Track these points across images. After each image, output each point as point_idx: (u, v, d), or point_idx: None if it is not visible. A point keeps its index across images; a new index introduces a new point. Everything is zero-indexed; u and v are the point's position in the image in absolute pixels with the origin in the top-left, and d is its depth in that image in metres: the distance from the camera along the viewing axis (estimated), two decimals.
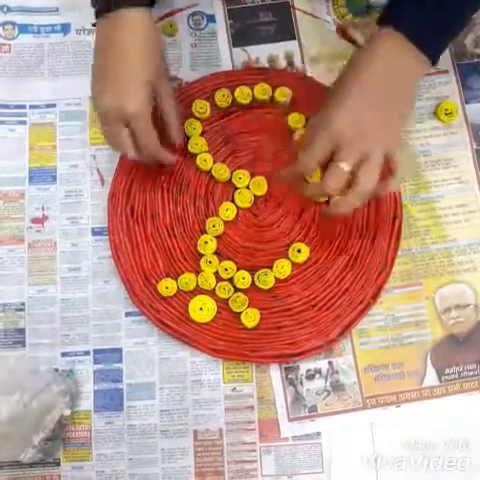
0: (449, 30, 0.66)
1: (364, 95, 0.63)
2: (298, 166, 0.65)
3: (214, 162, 0.76)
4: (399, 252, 0.75)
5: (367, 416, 0.72)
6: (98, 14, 0.67)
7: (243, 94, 0.77)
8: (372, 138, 0.62)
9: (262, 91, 0.77)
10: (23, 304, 0.75)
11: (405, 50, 0.63)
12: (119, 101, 0.65)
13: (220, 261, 0.74)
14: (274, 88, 0.78)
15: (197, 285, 0.74)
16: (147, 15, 0.67)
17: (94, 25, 0.69)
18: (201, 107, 0.77)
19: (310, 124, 0.68)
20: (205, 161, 0.76)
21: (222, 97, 0.77)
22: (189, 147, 0.77)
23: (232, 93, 0.77)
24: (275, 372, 0.73)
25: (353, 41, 0.80)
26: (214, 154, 0.77)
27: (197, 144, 0.76)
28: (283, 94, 0.78)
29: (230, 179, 0.77)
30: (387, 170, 0.65)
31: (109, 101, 0.65)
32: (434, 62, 0.65)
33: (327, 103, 0.64)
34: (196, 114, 0.77)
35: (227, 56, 0.81)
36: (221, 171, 0.76)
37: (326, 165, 0.63)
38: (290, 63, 0.81)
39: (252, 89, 0.77)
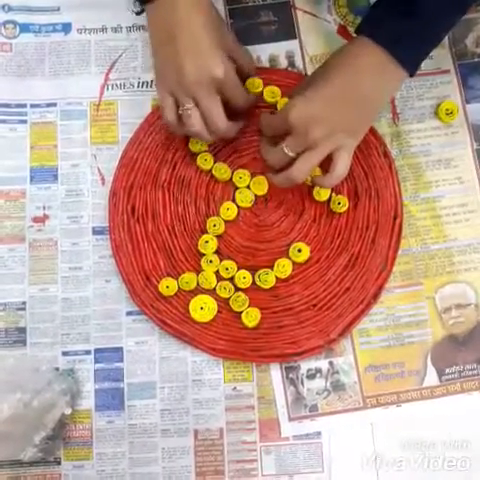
0: (427, 43, 0.67)
1: (329, 96, 0.66)
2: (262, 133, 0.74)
3: (215, 161, 0.77)
4: (400, 251, 0.75)
5: (367, 416, 0.72)
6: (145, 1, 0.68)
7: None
8: (321, 135, 0.66)
9: (271, 94, 0.77)
10: (24, 303, 0.75)
11: (379, 62, 0.65)
12: (206, 72, 0.66)
13: (221, 260, 0.74)
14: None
15: (198, 284, 0.74)
16: None
17: (139, 13, 0.71)
18: None
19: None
20: (206, 160, 0.76)
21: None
22: (190, 145, 0.77)
23: None
24: (276, 372, 0.73)
25: None
26: (215, 154, 0.77)
27: (197, 142, 0.76)
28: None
29: (231, 179, 0.77)
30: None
31: (194, 77, 0.66)
32: (411, 74, 0.66)
33: (296, 92, 0.71)
34: None
35: None
36: (222, 171, 0.76)
37: None
38: (291, 63, 0.81)
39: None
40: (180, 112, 0.69)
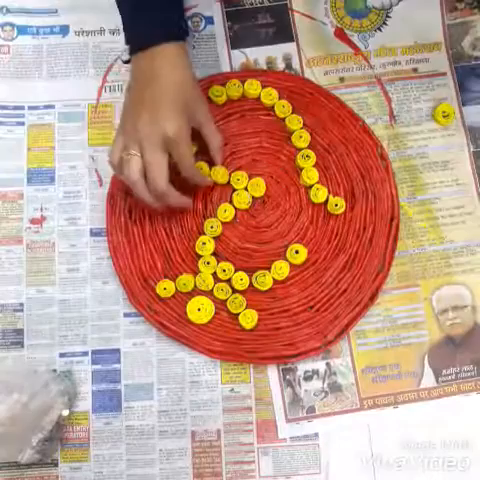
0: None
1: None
2: None
3: (211, 166, 0.76)
4: (396, 253, 0.75)
5: (365, 417, 0.72)
6: (133, 51, 0.69)
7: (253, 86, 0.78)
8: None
9: (269, 96, 0.78)
10: (21, 305, 0.75)
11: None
12: (158, 126, 0.65)
13: (218, 262, 0.74)
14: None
15: (195, 286, 0.74)
16: (183, 47, 0.69)
17: (127, 62, 0.71)
18: (217, 90, 0.78)
19: None
20: (201, 170, 0.76)
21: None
22: None
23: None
24: (273, 373, 0.73)
25: (351, 43, 0.81)
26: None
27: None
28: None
29: (228, 180, 0.77)
30: None
31: (147, 127, 0.66)
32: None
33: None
34: (212, 98, 0.78)
35: (225, 58, 0.81)
36: (220, 174, 0.76)
37: None
38: (288, 65, 0.81)
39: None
40: (122, 156, 0.67)
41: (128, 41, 0.71)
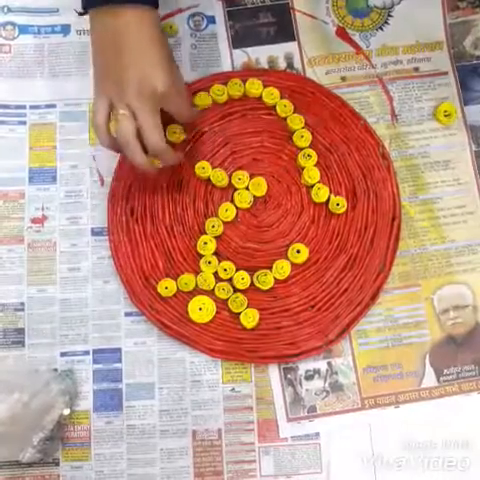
0: None
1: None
2: None
3: (213, 165, 0.77)
4: (398, 253, 0.75)
5: (366, 416, 0.72)
6: (90, 5, 0.66)
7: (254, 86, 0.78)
8: None
9: (270, 95, 0.78)
10: (22, 304, 0.75)
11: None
12: (147, 85, 0.63)
13: (219, 261, 0.74)
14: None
15: (196, 285, 0.74)
16: (152, 12, 0.65)
17: (82, 14, 0.68)
18: (218, 89, 0.78)
19: None
20: (203, 169, 0.76)
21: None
22: (168, 135, 0.75)
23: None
24: (274, 372, 0.73)
25: (352, 42, 0.81)
26: (213, 155, 0.77)
27: (175, 133, 0.76)
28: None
29: (229, 179, 0.77)
30: None
31: (134, 87, 0.63)
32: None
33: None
34: (213, 97, 0.78)
35: (227, 57, 0.81)
36: (219, 178, 0.76)
37: None
38: (290, 64, 0.81)
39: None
40: (113, 118, 0.65)
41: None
